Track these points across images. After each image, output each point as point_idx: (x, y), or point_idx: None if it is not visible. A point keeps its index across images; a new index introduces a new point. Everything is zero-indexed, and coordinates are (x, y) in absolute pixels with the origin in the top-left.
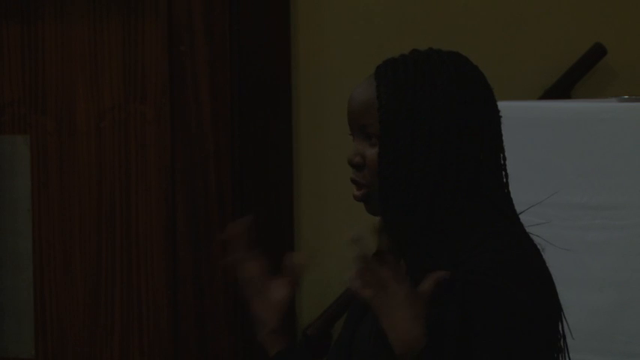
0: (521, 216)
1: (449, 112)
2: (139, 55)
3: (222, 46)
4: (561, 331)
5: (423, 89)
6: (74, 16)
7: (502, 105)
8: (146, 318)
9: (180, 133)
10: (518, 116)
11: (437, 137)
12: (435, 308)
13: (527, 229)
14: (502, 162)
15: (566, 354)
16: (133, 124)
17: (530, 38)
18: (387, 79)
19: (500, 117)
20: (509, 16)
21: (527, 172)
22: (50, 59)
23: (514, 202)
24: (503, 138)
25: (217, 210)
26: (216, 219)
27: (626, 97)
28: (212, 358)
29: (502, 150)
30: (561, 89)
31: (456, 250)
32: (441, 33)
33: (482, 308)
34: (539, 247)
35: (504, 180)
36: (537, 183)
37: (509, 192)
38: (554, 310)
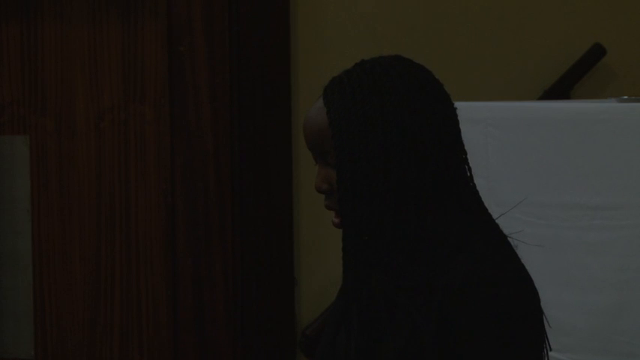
0: (520, 217)
1: (400, 123)
2: (138, 55)
3: (222, 46)
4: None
5: (372, 107)
6: (74, 17)
7: (502, 105)
8: (145, 318)
9: (179, 133)
10: (518, 116)
11: (392, 152)
12: (413, 321)
13: (513, 228)
14: (464, 157)
15: (547, 350)
16: (132, 125)
17: (530, 39)
18: (336, 104)
19: (455, 109)
20: (509, 16)
21: (527, 172)
22: (50, 59)
23: (514, 202)
24: (503, 138)
25: (217, 210)
26: (216, 219)
27: (626, 97)
28: (211, 358)
29: (462, 145)
30: (561, 89)
31: (429, 262)
32: (441, 33)
33: (466, 319)
34: (512, 244)
35: (468, 174)
36: (537, 183)
37: (474, 185)
38: (537, 311)
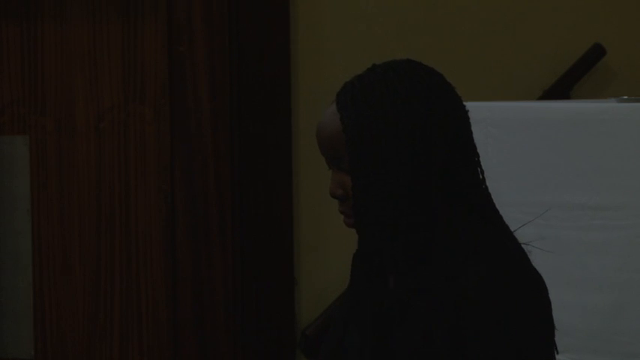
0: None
1: (413, 127)
2: (138, 55)
3: (222, 46)
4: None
5: (385, 112)
6: (74, 17)
7: (502, 105)
8: (145, 318)
9: (179, 133)
10: (518, 116)
11: (405, 156)
12: (426, 324)
13: (514, 229)
14: (476, 159)
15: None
16: (132, 125)
17: (530, 39)
18: (349, 109)
19: (467, 112)
20: (508, 16)
21: (527, 172)
22: (50, 60)
23: (514, 202)
24: (503, 138)
25: (217, 210)
26: (216, 219)
27: (626, 97)
28: (211, 358)
29: (474, 147)
30: (560, 90)
31: (443, 266)
32: (441, 33)
33: (479, 324)
34: (525, 250)
35: (481, 176)
36: (537, 183)
37: (487, 187)
38: (549, 318)
